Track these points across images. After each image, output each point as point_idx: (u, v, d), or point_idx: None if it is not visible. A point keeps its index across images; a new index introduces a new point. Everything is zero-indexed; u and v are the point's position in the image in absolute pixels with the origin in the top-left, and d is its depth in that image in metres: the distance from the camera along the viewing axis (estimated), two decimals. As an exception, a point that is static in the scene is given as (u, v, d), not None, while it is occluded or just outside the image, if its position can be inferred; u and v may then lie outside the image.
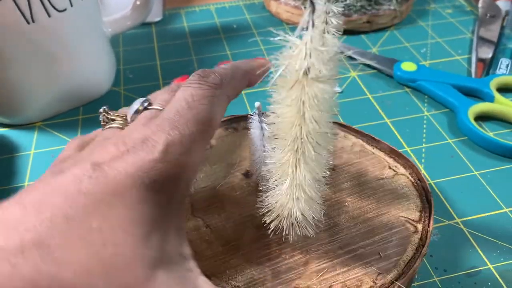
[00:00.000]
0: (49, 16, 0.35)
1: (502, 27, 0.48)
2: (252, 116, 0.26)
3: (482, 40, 0.47)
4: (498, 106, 0.38)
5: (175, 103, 0.23)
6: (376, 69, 0.44)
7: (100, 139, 0.24)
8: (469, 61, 0.45)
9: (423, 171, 0.34)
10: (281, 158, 0.22)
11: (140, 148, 0.20)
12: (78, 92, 0.41)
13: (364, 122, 0.38)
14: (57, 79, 0.38)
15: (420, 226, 0.26)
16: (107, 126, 0.25)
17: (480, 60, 0.44)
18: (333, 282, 0.24)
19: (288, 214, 0.23)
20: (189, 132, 0.21)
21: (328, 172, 0.24)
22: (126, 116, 0.25)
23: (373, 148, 0.31)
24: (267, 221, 0.24)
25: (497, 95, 0.39)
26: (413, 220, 0.26)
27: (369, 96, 0.41)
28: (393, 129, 0.38)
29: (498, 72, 0.43)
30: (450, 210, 0.31)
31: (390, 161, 0.30)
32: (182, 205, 0.22)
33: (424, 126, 0.38)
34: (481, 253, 0.28)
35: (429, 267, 0.28)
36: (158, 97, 0.25)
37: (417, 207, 0.27)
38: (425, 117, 0.39)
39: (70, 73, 0.39)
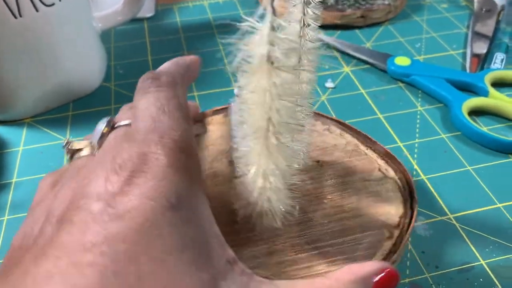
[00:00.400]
0: (37, 10, 0.35)
1: (498, 22, 0.48)
2: (232, 102, 0.25)
3: (477, 35, 0.46)
4: (493, 101, 0.38)
5: (145, 112, 0.21)
6: (370, 64, 0.44)
7: (75, 170, 0.22)
8: (464, 55, 0.45)
9: (415, 166, 0.34)
10: (248, 146, 0.22)
11: (144, 167, 0.19)
12: (68, 88, 0.40)
13: (357, 118, 0.38)
14: (46, 75, 0.38)
15: (396, 232, 0.25)
16: (76, 156, 0.24)
17: (475, 55, 0.44)
18: (293, 275, 0.23)
19: (254, 203, 0.23)
20: (178, 135, 0.20)
21: (297, 165, 0.23)
22: (92, 143, 0.23)
23: (367, 149, 0.30)
24: (236, 209, 0.24)
25: (492, 90, 0.38)
26: (391, 226, 0.25)
27: (363, 91, 0.41)
28: (386, 124, 0.37)
29: (492, 66, 0.42)
30: (443, 205, 0.31)
31: (382, 163, 0.29)
32: (209, 211, 0.20)
33: (418, 121, 0.38)
34: (473, 249, 0.28)
35: (420, 263, 0.27)
36: (120, 116, 0.24)
37: (398, 213, 0.26)
38: (418, 112, 0.39)
39: (59, 69, 0.39)
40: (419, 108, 0.39)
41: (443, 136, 0.36)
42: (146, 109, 0.21)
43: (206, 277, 0.18)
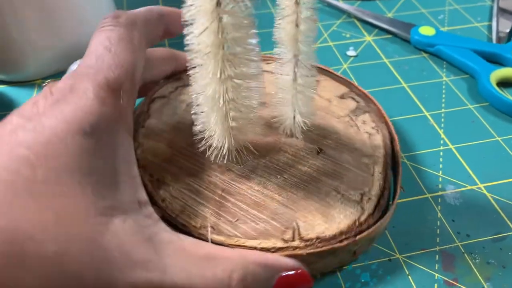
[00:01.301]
0: (50, -36, 0.33)
1: (523, -5, 0.46)
2: None
3: (503, 10, 0.45)
4: (521, 72, 0.36)
5: (91, 50, 0.22)
6: (392, 34, 0.42)
7: None
8: (489, 28, 0.43)
9: (443, 136, 0.32)
10: (205, 81, 0.22)
11: (70, 96, 0.20)
12: (80, 50, 0.38)
13: (381, 86, 0.37)
14: (58, 36, 0.37)
15: (291, 244, 0.23)
16: None
17: (501, 29, 0.42)
18: (191, 205, 0.24)
19: (203, 129, 0.25)
20: (114, 75, 0.21)
21: (250, 111, 0.24)
22: None
23: (380, 173, 0.26)
24: (197, 141, 0.25)
25: (520, 61, 0.37)
26: (298, 235, 0.23)
27: (385, 60, 0.39)
28: (411, 93, 0.36)
29: (520, 38, 0.41)
30: (472, 174, 0.30)
31: (378, 180, 0.26)
32: (129, 152, 0.21)
33: (443, 91, 0.36)
34: (506, 219, 0.27)
35: (451, 232, 0.26)
36: None
37: (324, 231, 0.23)
38: (444, 82, 0.37)
39: (72, 30, 0.37)
40: (444, 78, 0.38)
41: (470, 106, 0.35)
42: (94, 46, 0.22)
43: (102, 204, 0.18)
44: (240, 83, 0.23)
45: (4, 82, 0.38)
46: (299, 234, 0.23)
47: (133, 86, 0.23)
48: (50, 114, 0.19)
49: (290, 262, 0.21)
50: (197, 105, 0.24)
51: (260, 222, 0.24)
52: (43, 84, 0.25)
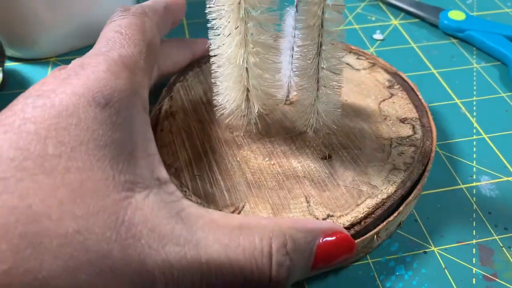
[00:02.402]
0: None
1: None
2: (288, 9, 0.24)
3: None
4: (557, 60, 0.35)
5: (102, 36, 0.22)
6: (419, 18, 0.41)
7: None
8: (519, 14, 0.42)
9: (475, 124, 0.31)
10: (227, 45, 0.22)
11: (81, 71, 0.19)
12: (95, 29, 0.37)
13: (410, 72, 0.35)
14: (73, 13, 0.35)
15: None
16: None
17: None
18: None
19: (218, 90, 0.25)
20: (127, 52, 0.21)
21: (273, 80, 0.24)
22: None
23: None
24: (216, 107, 0.25)
25: (555, 48, 0.35)
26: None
27: (413, 45, 0.38)
28: (440, 80, 0.35)
29: (553, 25, 0.39)
30: (508, 165, 0.28)
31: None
32: (146, 129, 0.20)
33: (474, 78, 0.35)
34: (545, 212, 0.26)
35: (487, 225, 0.25)
36: None
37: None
38: (474, 69, 0.36)
39: (87, 8, 0.36)
40: (475, 65, 0.36)
41: (503, 95, 0.33)
42: (106, 32, 0.22)
43: (121, 179, 0.17)
44: (258, 50, 0.22)
45: (19, 59, 0.37)
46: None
47: (148, 67, 0.22)
48: (60, 89, 0.18)
49: (330, 225, 0.20)
50: (215, 56, 0.24)
51: (215, 187, 0.23)
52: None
